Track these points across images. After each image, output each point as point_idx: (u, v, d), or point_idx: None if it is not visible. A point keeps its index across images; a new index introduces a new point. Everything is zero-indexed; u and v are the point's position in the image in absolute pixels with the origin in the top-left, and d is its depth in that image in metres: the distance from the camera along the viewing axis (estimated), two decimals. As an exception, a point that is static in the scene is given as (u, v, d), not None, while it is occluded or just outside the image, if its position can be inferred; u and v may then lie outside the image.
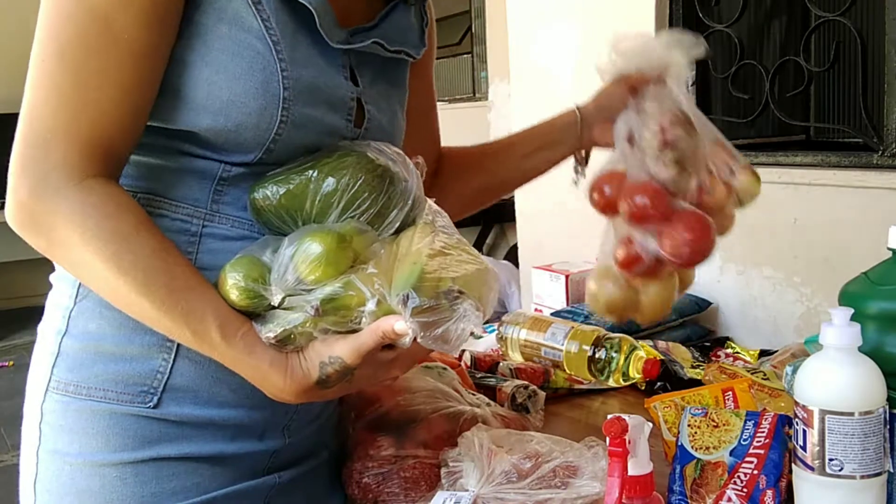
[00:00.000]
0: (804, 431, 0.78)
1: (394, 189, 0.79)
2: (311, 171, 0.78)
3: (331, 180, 0.77)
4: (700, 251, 0.88)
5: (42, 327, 0.86)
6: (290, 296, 0.75)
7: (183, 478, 0.83)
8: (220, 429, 0.84)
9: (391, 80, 0.91)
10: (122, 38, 0.72)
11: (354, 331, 0.75)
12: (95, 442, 0.81)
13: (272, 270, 0.75)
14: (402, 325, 0.73)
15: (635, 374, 1.29)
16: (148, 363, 0.81)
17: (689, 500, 0.87)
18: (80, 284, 0.82)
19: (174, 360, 0.81)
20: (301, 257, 0.74)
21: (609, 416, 0.76)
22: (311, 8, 0.78)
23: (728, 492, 0.84)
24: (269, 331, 0.75)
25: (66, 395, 0.82)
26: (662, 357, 1.32)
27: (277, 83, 0.77)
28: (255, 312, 0.77)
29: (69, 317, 0.83)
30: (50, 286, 0.87)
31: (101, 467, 0.81)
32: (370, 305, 0.74)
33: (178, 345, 0.81)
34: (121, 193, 0.76)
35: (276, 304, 0.76)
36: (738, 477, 0.85)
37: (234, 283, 0.76)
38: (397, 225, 0.80)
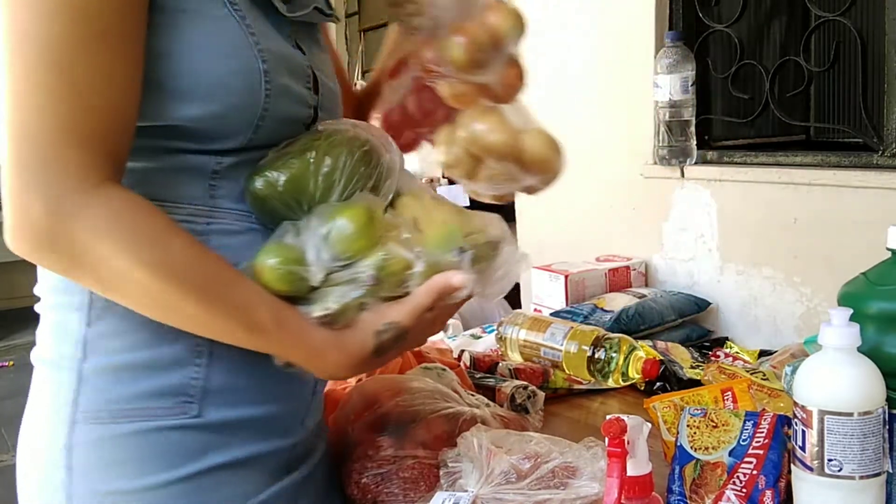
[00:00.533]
0: (803, 432, 0.78)
1: (381, 162, 0.81)
2: (308, 154, 0.78)
3: (328, 160, 0.78)
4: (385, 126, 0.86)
5: (45, 360, 0.79)
6: (330, 274, 0.76)
7: (233, 485, 0.79)
8: (254, 428, 0.81)
9: (321, 47, 0.91)
10: (104, 30, 0.68)
11: (398, 296, 0.77)
12: (142, 466, 0.76)
13: (306, 252, 0.76)
14: (460, 278, 0.77)
15: (634, 374, 1.29)
16: (182, 372, 0.77)
17: (688, 501, 0.86)
18: (90, 307, 0.76)
19: (208, 364, 0.78)
20: (336, 235, 0.76)
21: (608, 417, 0.76)
22: None
23: (727, 492, 0.84)
24: (325, 308, 0.75)
25: (101, 422, 0.75)
26: (661, 357, 1.32)
27: (255, 57, 0.75)
28: (295, 296, 0.77)
29: (85, 342, 0.76)
30: (36, 316, 0.82)
31: (151, 491, 0.76)
32: (419, 267, 0.77)
33: (210, 348, 0.77)
34: (138, 196, 0.71)
35: (317, 284, 0.76)
36: (738, 477, 0.85)
37: (273, 270, 0.75)
38: (390, 196, 0.82)
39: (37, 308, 0.81)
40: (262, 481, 0.82)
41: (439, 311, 0.80)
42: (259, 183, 0.78)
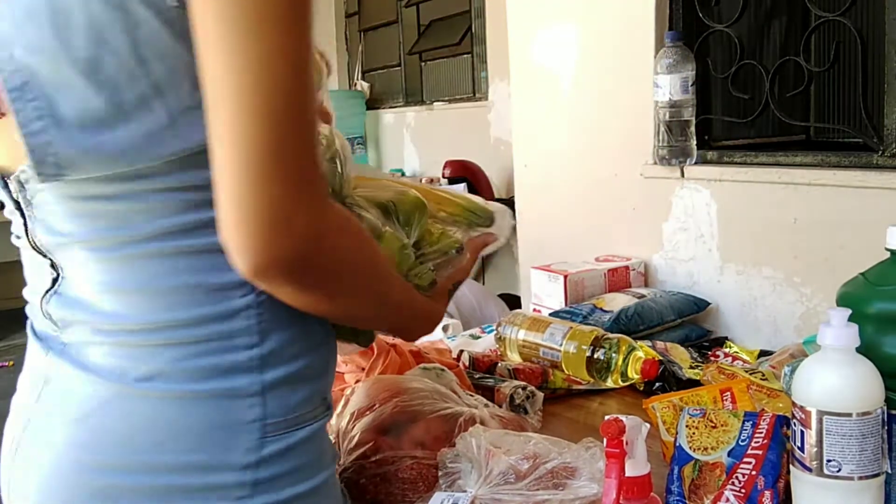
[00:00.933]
0: (802, 432, 0.78)
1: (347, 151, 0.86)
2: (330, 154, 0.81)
3: (340, 156, 0.82)
4: None
5: (195, 390, 0.69)
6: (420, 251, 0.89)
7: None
8: None
9: None
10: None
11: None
12: (312, 469, 0.74)
13: (400, 237, 0.85)
14: (494, 237, 0.98)
15: (634, 374, 1.29)
16: (328, 374, 0.78)
17: (686, 501, 0.86)
18: (258, 326, 0.70)
19: (333, 363, 0.81)
20: (416, 221, 0.87)
21: (607, 417, 0.76)
22: None
23: (726, 492, 0.84)
24: (430, 280, 0.89)
25: (287, 432, 0.72)
26: (661, 357, 1.32)
27: None
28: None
29: (262, 359, 0.70)
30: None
31: (314, 494, 0.74)
32: (461, 237, 0.94)
33: (335, 345, 0.80)
34: None
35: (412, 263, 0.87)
36: (737, 477, 0.85)
37: (395, 255, 0.84)
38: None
39: (140, 338, 0.69)
40: None
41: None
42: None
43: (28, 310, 0.79)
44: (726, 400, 1.04)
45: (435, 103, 4.36)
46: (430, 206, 0.90)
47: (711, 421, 0.90)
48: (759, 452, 0.85)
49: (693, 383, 1.25)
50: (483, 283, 3.98)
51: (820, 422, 0.76)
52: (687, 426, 0.91)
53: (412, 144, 4.52)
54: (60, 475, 0.70)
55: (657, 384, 1.28)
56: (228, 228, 0.61)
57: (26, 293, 0.78)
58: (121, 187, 0.65)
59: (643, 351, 1.31)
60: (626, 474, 0.75)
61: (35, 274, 0.75)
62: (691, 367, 1.32)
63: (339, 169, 0.79)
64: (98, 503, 0.69)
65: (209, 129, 0.60)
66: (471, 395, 1.12)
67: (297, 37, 0.60)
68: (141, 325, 0.68)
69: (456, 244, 0.91)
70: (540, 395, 1.20)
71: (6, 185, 0.70)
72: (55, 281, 0.72)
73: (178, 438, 0.68)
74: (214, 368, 0.69)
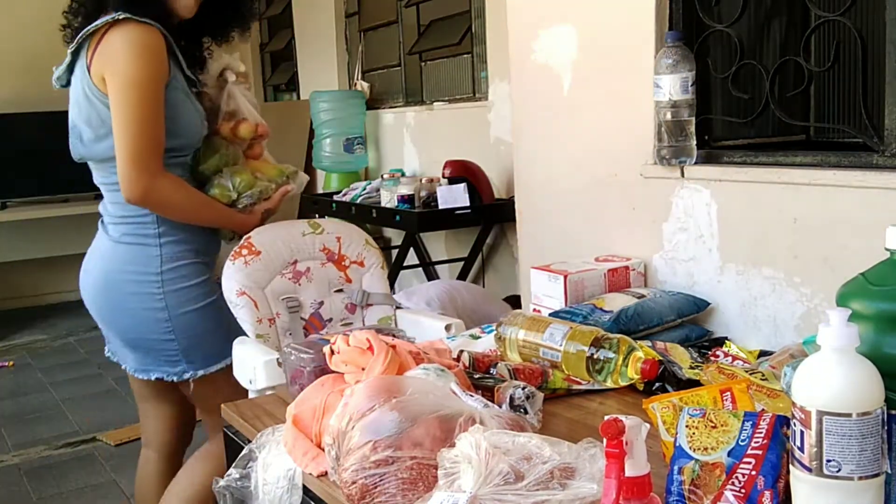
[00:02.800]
0: (802, 432, 0.78)
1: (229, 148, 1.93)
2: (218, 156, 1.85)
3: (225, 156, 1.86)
4: None
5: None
6: (238, 195, 1.82)
7: None
8: None
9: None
10: (158, 98, 1.65)
11: (266, 198, 1.87)
12: (188, 278, 1.80)
13: (228, 187, 1.80)
14: (291, 186, 1.92)
15: (633, 374, 1.29)
16: (194, 241, 1.82)
17: (686, 502, 0.86)
18: (153, 214, 1.73)
19: (196, 235, 1.85)
20: (241, 181, 1.82)
21: (606, 417, 0.76)
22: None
23: (726, 493, 0.84)
24: (243, 206, 1.83)
25: (176, 263, 1.75)
26: (661, 358, 1.32)
27: (198, 112, 1.80)
28: (228, 204, 1.82)
29: (157, 230, 1.73)
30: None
31: None
32: (273, 186, 1.88)
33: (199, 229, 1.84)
34: (174, 175, 1.73)
35: (235, 198, 1.82)
36: (736, 478, 0.85)
37: (221, 194, 1.80)
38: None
39: (122, 220, 1.76)
40: None
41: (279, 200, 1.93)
42: (205, 168, 1.83)
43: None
44: (726, 400, 1.04)
45: (435, 103, 4.36)
46: (254, 171, 1.85)
47: (711, 421, 0.90)
48: (759, 452, 0.85)
49: (693, 383, 1.25)
50: (483, 285, 3.97)
51: (820, 422, 0.76)
52: (687, 426, 0.91)
53: (412, 144, 4.52)
54: (96, 279, 1.78)
55: (657, 384, 1.28)
56: (119, 181, 1.64)
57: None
58: (104, 163, 1.72)
59: (643, 351, 1.31)
60: (626, 474, 0.75)
61: None
62: (691, 368, 1.32)
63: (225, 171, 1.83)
64: (107, 291, 1.77)
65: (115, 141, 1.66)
66: (471, 396, 1.12)
67: (142, 109, 1.63)
68: (120, 215, 1.73)
69: (256, 192, 1.82)
70: (540, 395, 1.19)
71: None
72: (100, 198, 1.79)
73: (134, 260, 1.71)
74: (142, 234, 1.71)
